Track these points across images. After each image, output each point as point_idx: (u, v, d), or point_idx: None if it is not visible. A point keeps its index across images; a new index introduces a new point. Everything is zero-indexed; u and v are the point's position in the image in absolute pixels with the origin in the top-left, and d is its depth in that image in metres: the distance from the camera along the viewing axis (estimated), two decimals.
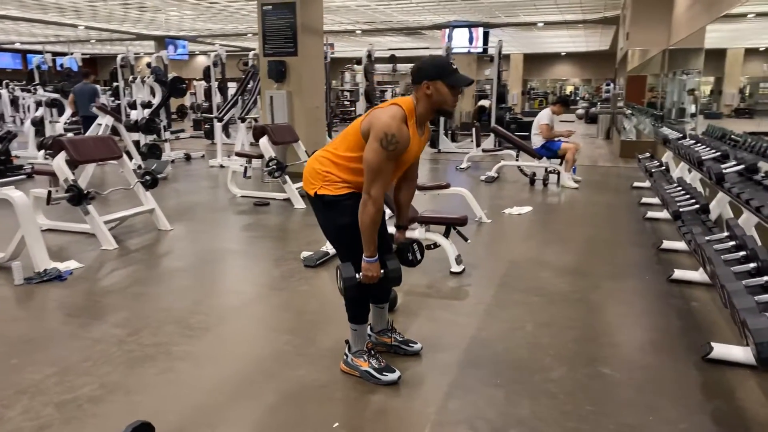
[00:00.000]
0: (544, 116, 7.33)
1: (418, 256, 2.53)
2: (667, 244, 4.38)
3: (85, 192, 4.37)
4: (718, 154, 4.29)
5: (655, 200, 6.01)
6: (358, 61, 11.54)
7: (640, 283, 3.65)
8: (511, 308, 3.22)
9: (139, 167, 6.88)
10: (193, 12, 15.36)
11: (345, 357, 2.48)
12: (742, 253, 2.74)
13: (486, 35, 16.52)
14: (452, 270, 3.80)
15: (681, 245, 4.35)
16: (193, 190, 7.18)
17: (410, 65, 18.20)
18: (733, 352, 2.57)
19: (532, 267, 3.99)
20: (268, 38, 7.62)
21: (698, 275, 3.63)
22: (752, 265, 2.58)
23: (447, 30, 12.17)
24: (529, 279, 3.73)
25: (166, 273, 3.93)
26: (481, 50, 16.08)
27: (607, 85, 21.40)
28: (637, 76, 12.92)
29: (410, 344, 2.65)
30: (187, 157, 9.83)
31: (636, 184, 7.14)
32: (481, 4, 13.62)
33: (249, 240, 4.78)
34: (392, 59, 14.49)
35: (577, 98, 30.13)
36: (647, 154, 7.08)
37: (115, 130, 8.04)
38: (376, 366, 2.41)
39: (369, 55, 11.37)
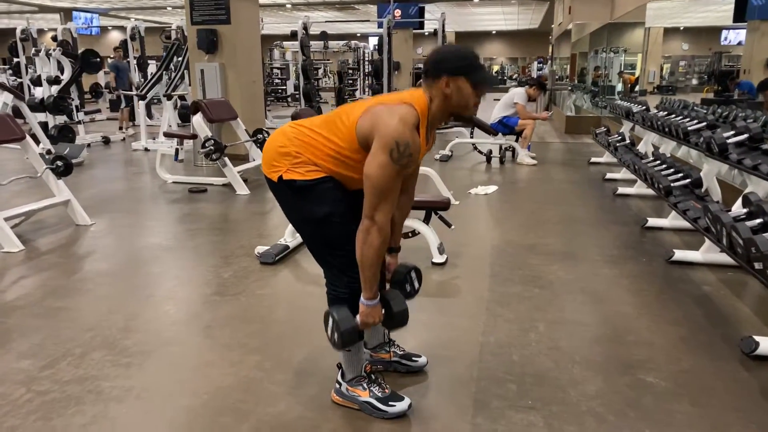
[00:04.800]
0: (519, 96, 6.96)
1: (416, 286, 2.03)
2: (652, 221, 4.09)
3: None
4: (704, 124, 4.04)
5: (620, 175, 5.80)
6: (294, 35, 10.73)
7: (640, 267, 3.32)
8: (514, 304, 2.78)
9: (48, 152, 5.91)
10: None
11: (338, 385, 1.94)
12: None
13: (422, 10, 16.04)
14: (434, 261, 3.32)
15: (666, 222, 4.09)
16: (115, 177, 6.29)
17: (342, 42, 17.51)
18: None
19: (519, 252, 3.57)
20: (197, 4, 6.76)
21: (700, 255, 3.34)
22: None
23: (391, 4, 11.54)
24: (521, 267, 3.30)
25: (89, 279, 3.19)
26: (416, 25, 15.61)
27: (540, 63, 21.56)
28: (574, 54, 12.91)
29: (413, 358, 2.15)
30: (106, 141, 8.78)
31: (593, 159, 6.93)
32: None
33: (189, 234, 4.08)
34: (324, 36, 13.72)
35: (505, 77, 30.44)
36: (603, 129, 6.88)
37: (17, 111, 6.93)
38: (380, 395, 1.88)
39: (305, 28, 10.61)
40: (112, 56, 12.23)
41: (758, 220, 2.59)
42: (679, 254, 3.36)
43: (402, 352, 2.15)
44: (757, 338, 2.26)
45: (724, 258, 3.14)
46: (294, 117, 3.34)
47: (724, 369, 2.19)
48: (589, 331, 2.51)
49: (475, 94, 1.71)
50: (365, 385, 1.89)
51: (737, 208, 2.99)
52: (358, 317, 1.78)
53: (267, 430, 1.82)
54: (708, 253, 3.31)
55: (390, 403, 1.87)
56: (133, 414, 1.90)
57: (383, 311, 1.81)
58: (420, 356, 2.16)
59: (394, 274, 2.01)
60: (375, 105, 1.69)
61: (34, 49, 9.09)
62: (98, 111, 11.59)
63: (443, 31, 10.23)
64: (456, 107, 1.72)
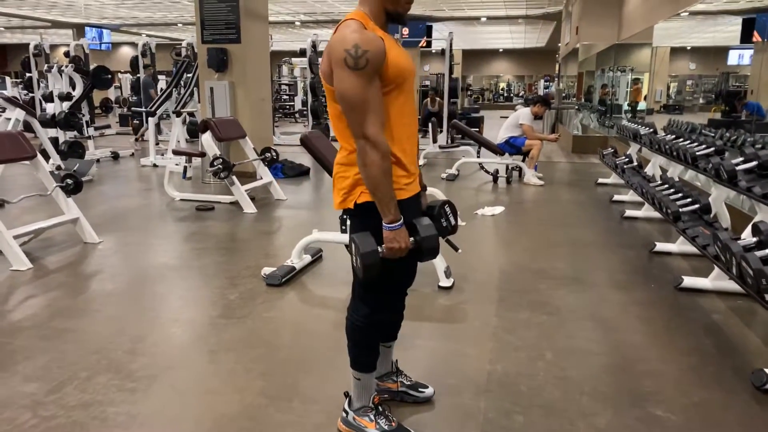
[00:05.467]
0: (524, 116, 6.97)
1: (452, 221, 1.84)
2: (660, 246, 4.07)
3: None
4: (712, 149, 4.02)
5: (628, 197, 5.78)
6: (302, 52, 10.83)
7: (648, 293, 3.29)
8: (521, 331, 2.76)
9: (59, 168, 5.95)
10: None
11: (344, 414, 1.92)
12: None
13: (429, 29, 16.18)
14: (441, 284, 3.31)
15: (674, 247, 4.06)
16: (123, 194, 6.33)
17: None
18: None
19: (526, 276, 3.56)
20: (207, 23, 6.84)
21: (709, 282, 3.31)
22: None
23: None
24: (528, 292, 3.28)
25: (95, 300, 3.20)
26: (424, 44, 15.73)
27: (546, 81, 21.62)
28: (581, 73, 12.94)
29: (420, 389, 2.13)
30: (115, 156, 8.86)
31: (600, 180, 6.92)
32: None
33: (195, 253, 4.09)
34: None
35: (512, 95, 30.54)
36: (610, 150, 6.87)
37: (28, 126, 7.01)
38: (387, 428, 1.86)
39: (314, 46, 10.72)
40: (122, 71, 12.41)
41: None
42: (688, 281, 3.33)
43: (409, 383, 2.13)
44: (767, 371, 2.23)
45: (734, 286, 3.10)
46: (303, 140, 3.35)
47: (735, 402, 2.16)
48: (598, 360, 2.48)
49: None
50: (372, 416, 1.87)
51: (747, 236, 2.98)
52: (383, 246, 1.64)
53: None
54: (717, 280, 3.28)
55: None
56: None
57: (411, 239, 1.67)
58: (427, 387, 2.14)
59: (427, 209, 1.85)
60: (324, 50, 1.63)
61: (46, 65, 9.20)
62: (108, 126, 11.70)
63: (450, 49, 10.29)
64: (389, 2, 1.62)
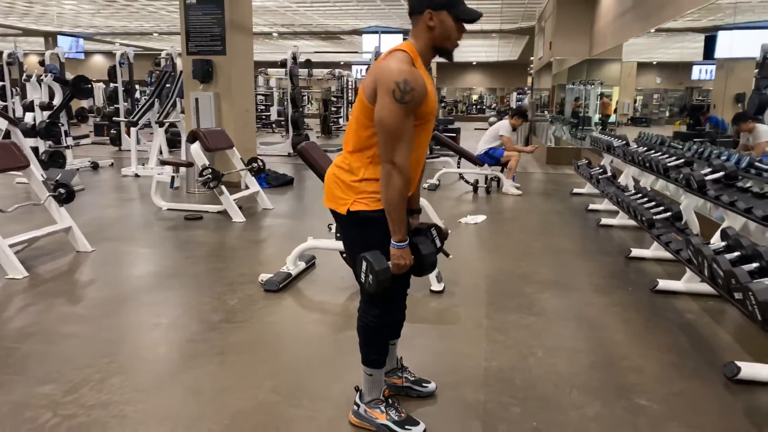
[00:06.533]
0: (504, 128, 7.25)
1: (438, 243, 2.04)
2: (635, 252, 4.31)
3: None
4: (682, 161, 4.29)
5: (603, 206, 6.05)
6: (282, 63, 10.96)
7: (627, 296, 3.50)
8: (512, 331, 2.93)
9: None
10: (91, 6, 14.02)
11: (356, 407, 2.06)
12: (757, 264, 2.62)
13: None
14: (433, 288, 3.46)
15: (648, 253, 4.30)
16: (109, 204, 6.33)
17: (326, 70, 17.77)
18: (761, 371, 2.43)
19: (512, 281, 3.74)
20: (193, 35, 6.92)
21: (682, 285, 3.54)
22: None
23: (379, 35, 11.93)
24: (515, 295, 3.46)
25: (97, 306, 3.25)
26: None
27: (519, 93, 22.13)
28: (554, 86, 13.35)
29: (423, 384, 2.27)
30: (94, 166, 8.82)
31: (576, 190, 7.19)
32: (403, 9, 13.50)
33: (190, 261, 4.16)
34: (308, 64, 14.00)
35: (484, 107, 31.12)
36: (585, 161, 7.17)
37: (7, 136, 6.95)
38: (396, 419, 2.00)
39: (294, 58, 10.86)
40: (94, 80, 12.32)
41: (736, 253, 2.80)
42: (663, 284, 3.56)
43: (413, 379, 2.27)
44: (738, 363, 2.44)
45: (705, 288, 3.35)
46: (299, 151, 3.47)
47: (711, 392, 2.36)
48: (585, 357, 2.66)
49: (457, 27, 1.79)
50: (383, 408, 2.01)
51: (716, 241, 3.22)
52: (390, 261, 1.82)
53: None
54: (689, 282, 3.51)
55: (406, 427, 1.99)
56: None
57: (413, 256, 1.86)
58: (430, 382, 2.29)
59: (415, 232, 2.01)
60: (373, 68, 1.79)
61: (25, 74, 9.12)
62: (87, 136, 11.60)
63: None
64: (440, 40, 1.79)
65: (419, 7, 1.78)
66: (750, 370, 2.43)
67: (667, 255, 3.92)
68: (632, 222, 4.88)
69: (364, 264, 1.82)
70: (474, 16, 1.80)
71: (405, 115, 1.70)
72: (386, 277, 1.81)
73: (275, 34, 18.06)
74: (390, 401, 2.04)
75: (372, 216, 1.82)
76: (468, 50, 23.25)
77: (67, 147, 8.73)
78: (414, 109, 1.72)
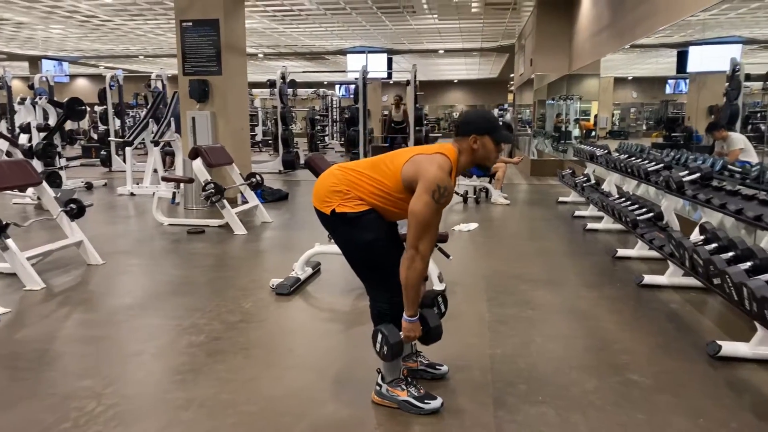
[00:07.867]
0: None
1: (443, 309, 2.41)
2: (621, 252, 4.58)
3: (4, 224, 3.73)
4: (661, 165, 4.59)
5: (588, 212, 6.34)
6: (272, 83, 11.22)
7: (615, 290, 3.76)
8: (512, 323, 3.16)
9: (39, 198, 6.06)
10: (79, 30, 14.19)
11: (378, 387, 2.26)
12: (732, 253, 2.90)
13: (390, 61, 16.88)
14: (435, 288, 3.68)
15: (633, 252, 4.58)
16: (110, 221, 6.47)
17: (311, 90, 18.07)
18: (739, 348, 2.68)
19: (508, 280, 3.98)
20: (189, 56, 7.15)
21: (665, 279, 3.81)
22: (749, 263, 2.73)
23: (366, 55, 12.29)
24: (512, 292, 3.70)
25: (118, 312, 3.41)
26: (385, 75, 16.41)
27: (501, 109, 22.64)
28: (536, 101, 13.78)
29: (437, 367, 2.49)
30: (88, 186, 8.93)
31: (561, 198, 7.50)
32: (388, 30, 13.90)
33: (200, 271, 4.33)
34: (293, 84, 14.29)
35: None
36: (569, 171, 7.50)
37: (8, 156, 7.07)
38: (416, 394, 2.21)
39: (283, 77, 11.12)
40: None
41: (714, 245, 3.08)
42: (648, 279, 3.82)
43: (427, 362, 2.49)
44: (719, 342, 2.70)
45: (687, 281, 3.63)
46: (307, 162, 3.69)
47: (696, 368, 2.60)
48: (581, 343, 2.90)
49: (496, 149, 2.17)
50: (403, 386, 2.22)
51: (695, 236, 3.50)
52: (401, 332, 2.13)
53: (323, 425, 2.12)
54: (672, 277, 3.78)
55: (426, 401, 2.20)
56: (201, 419, 2.17)
57: (422, 327, 2.17)
58: (442, 365, 2.50)
59: (424, 299, 2.33)
60: (416, 155, 2.11)
61: (19, 97, 9.26)
62: (80, 157, 11.68)
63: (415, 81, 10.87)
64: (481, 159, 2.17)
65: (466, 132, 2.14)
66: (730, 347, 2.68)
67: (651, 254, 4.20)
68: (617, 226, 5.18)
69: (380, 336, 2.13)
70: (509, 140, 2.35)
71: (436, 211, 2.03)
72: (400, 349, 2.14)
73: (260, 55, 18.36)
74: (409, 380, 2.25)
75: (357, 215, 2.11)
76: (449, 68, 23.79)
77: (62, 168, 8.84)
78: (442, 208, 2.06)
